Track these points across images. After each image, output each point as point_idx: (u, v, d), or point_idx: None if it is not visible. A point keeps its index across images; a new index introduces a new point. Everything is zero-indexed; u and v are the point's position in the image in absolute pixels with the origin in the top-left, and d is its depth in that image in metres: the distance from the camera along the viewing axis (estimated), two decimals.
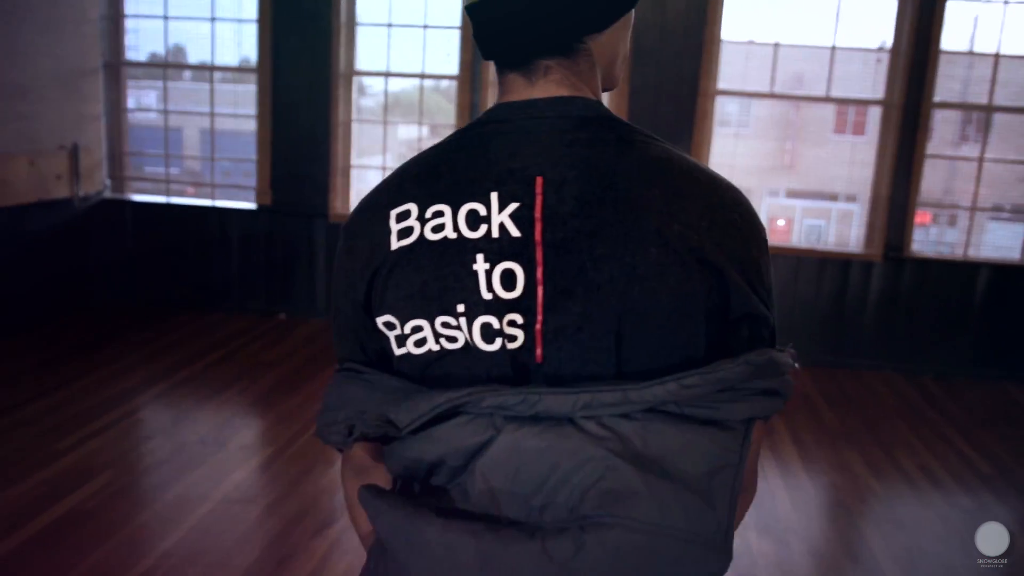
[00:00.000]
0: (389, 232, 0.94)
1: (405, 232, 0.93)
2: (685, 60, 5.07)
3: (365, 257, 0.95)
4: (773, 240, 6.28)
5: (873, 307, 5.25)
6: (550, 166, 0.92)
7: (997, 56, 4.99)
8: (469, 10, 0.97)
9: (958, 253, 5.27)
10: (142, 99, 5.95)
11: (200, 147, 5.86)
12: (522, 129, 0.95)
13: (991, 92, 5.03)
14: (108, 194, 5.72)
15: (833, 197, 6.09)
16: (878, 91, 5.13)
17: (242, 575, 2.71)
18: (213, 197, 5.80)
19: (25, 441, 3.56)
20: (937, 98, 5.00)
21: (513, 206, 0.91)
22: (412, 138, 5.84)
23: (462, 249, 0.90)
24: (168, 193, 5.81)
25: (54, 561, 2.70)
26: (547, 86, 0.96)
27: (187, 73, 6.31)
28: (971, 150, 5.23)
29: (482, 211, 0.91)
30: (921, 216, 5.92)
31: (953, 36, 5.04)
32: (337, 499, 3.23)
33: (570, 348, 0.90)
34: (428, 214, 0.92)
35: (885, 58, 5.10)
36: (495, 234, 0.90)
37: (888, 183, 5.09)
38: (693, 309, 0.90)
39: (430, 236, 0.91)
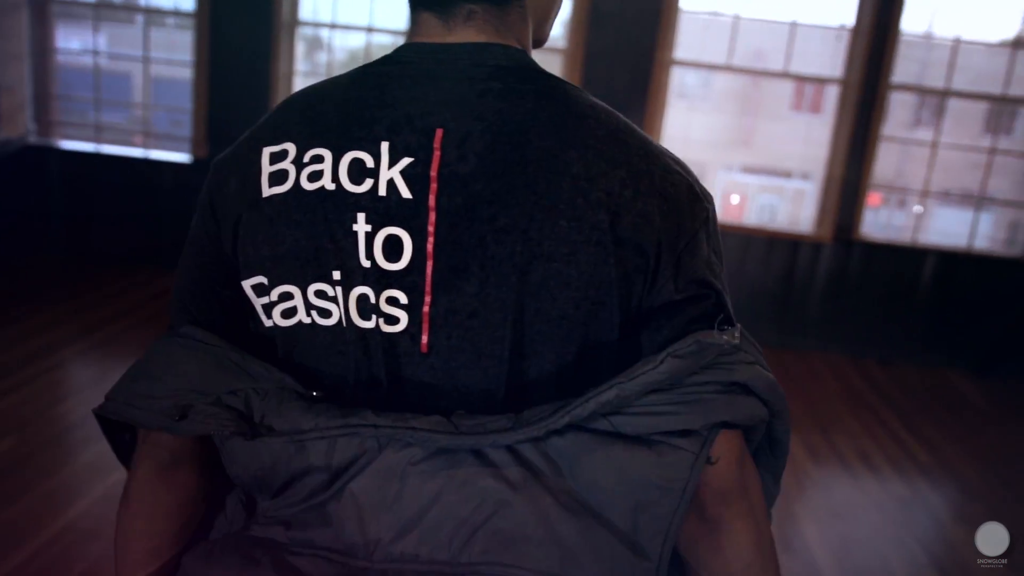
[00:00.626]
0: (260, 173, 0.77)
1: (279, 177, 0.76)
2: (643, 27, 4.92)
3: (233, 200, 0.79)
4: (726, 217, 6.17)
5: (821, 288, 5.21)
6: (454, 118, 0.76)
7: (956, 42, 4.93)
8: None
9: (906, 237, 5.24)
10: (75, 41, 5.60)
11: (134, 94, 5.55)
12: (428, 74, 0.78)
13: (948, 77, 4.98)
14: (32, 139, 5.40)
15: (787, 174, 6.02)
16: (836, 69, 5.05)
17: None
18: (146, 147, 5.51)
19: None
20: (895, 79, 4.94)
21: (406, 161, 0.74)
22: None
23: (341, 204, 0.74)
24: (99, 141, 5.51)
25: None
26: (466, 31, 0.80)
27: (129, 17, 5.96)
28: (925, 134, 5.19)
29: (369, 162, 0.74)
30: (872, 198, 5.90)
31: (914, 19, 4.96)
32: None
33: (460, 337, 0.74)
34: (306, 158, 0.76)
35: (845, 36, 5.01)
36: (382, 192, 0.74)
37: (842, 163, 5.02)
38: (606, 296, 0.75)
39: (305, 184, 0.75)
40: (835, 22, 4.83)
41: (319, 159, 0.75)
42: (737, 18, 5.06)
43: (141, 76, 5.40)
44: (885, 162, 5.13)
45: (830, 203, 5.09)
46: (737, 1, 5.16)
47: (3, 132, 5.05)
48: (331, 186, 0.75)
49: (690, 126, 5.59)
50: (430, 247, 0.73)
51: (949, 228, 5.37)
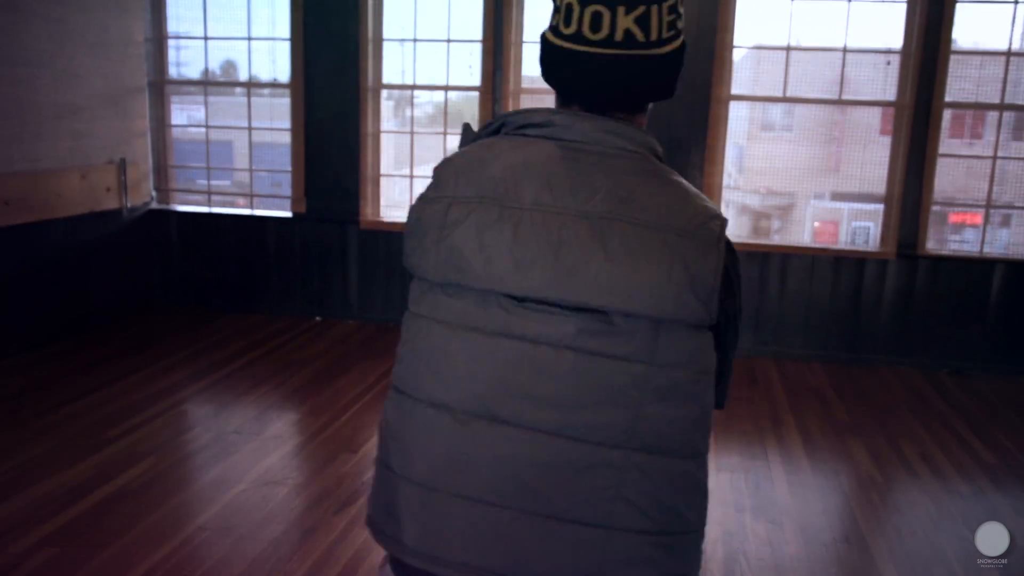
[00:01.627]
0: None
1: None
2: (698, 66, 5.25)
3: None
4: (818, 242, 6.36)
5: (888, 304, 5.35)
6: None
7: (1008, 53, 5.08)
8: (545, 52, 1.24)
9: (974, 251, 5.34)
10: (189, 115, 6.28)
11: (240, 159, 6.18)
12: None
13: (1003, 91, 5.12)
14: (154, 205, 6.08)
15: (880, 199, 6.16)
16: (890, 93, 5.25)
17: (269, 546, 2.96)
18: (252, 207, 6.12)
19: (78, 430, 3.88)
20: (948, 98, 5.10)
21: None
22: (437, 146, 6.09)
23: None
24: (210, 204, 6.15)
25: (104, 531, 2.99)
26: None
27: (236, 90, 6.62)
28: (984, 149, 5.31)
29: None
30: (962, 216, 5.99)
31: (964, 34, 5.14)
32: (359, 482, 3.48)
33: None
34: None
35: (896, 60, 5.22)
36: None
37: (901, 182, 5.20)
38: None
39: None
40: (883, 44, 5.00)
41: None
42: (788, 48, 5.32)
43: (245, 143, 6.02)
44: (944, 178, 5.28)
45: (892, 220, 5.25)
46: (786, 32, 5.40)
47: (130, 200, 5.72)
48: None
49: (776, 157, 5.85)
50: None
51: (1016, 239, 5.44)
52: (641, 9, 1.14)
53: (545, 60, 1.23)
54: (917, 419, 4.47)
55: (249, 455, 3.72)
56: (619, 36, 1.14)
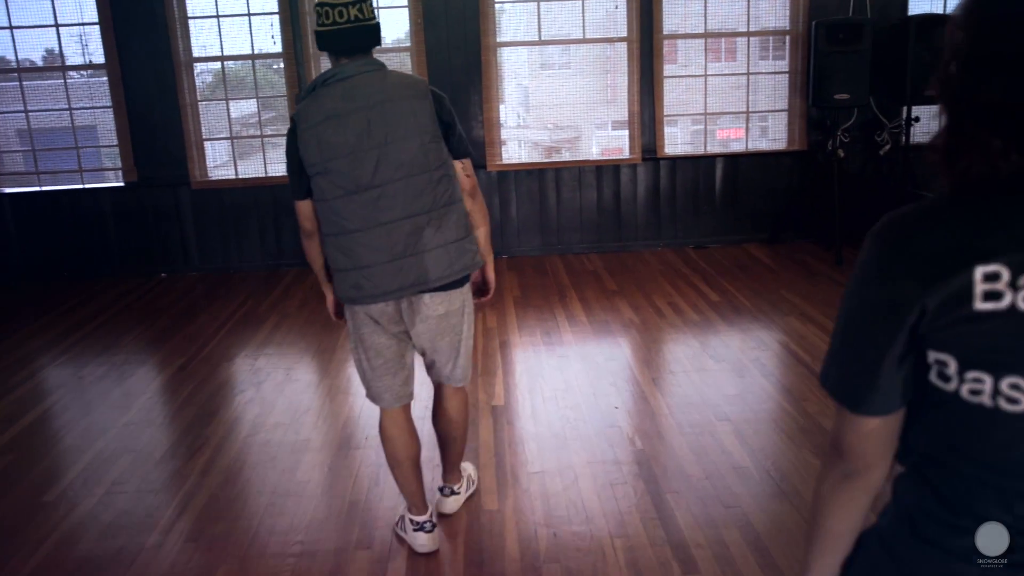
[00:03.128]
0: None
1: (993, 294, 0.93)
2: (467, 22, 6.29)
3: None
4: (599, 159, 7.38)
5: (641, 199, 6.72)
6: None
7: None
8: (321, 34, 2.34)
9: (700, 150, 6.78)
10: (6, 103, 6.61)
11: (65, 140, 6.63)
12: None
13: (705, 20, 6.52)
14: None
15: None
16: (621, 31, 6.53)
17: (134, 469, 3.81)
18: (83, 182, 6.61)
19: None
20: (665, 31, 6.45)
21: None
22: (250, 112, 6.80)
23: None
24: (40, 183, 6.58)
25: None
26: (359, 62, 2.33)
27: (52, 74, 6.96)
28: (697, 69, 6.72)
29: None
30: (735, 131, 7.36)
31: None
32: (225, 400, 4.34)
33: None
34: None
35: (623, 3, 6.49)
36: None
37: (637, 101, 6.52)
38: None
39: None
40: None
41: None
42: (539, 1, 6.46)
43: (68, 123, 6.49)
44: (671, 95, 6.66)
45: (635, 132, 6.59)
46: None
47: None
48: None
49: (558, 92, 6.87)
50: None
51: (729, 137, 6.97)
52: (358, 5, 2.37)
53: (321, 41, 2.41)
54: (667, 282, 5.84)
55: (116, 401, 4.48)
56: (352, 17, 2.37)
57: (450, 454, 2.89)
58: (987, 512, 0.97)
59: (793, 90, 6.63)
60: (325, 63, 6.48)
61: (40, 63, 6.70)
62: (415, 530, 2.72)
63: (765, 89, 6.72)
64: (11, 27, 6.34)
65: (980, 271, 0.87)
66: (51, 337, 5.29)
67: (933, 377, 0.95)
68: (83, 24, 6.35)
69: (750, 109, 6.78)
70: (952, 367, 0.92)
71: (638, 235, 6.78)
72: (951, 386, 0.93)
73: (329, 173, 2.36)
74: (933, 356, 0.94)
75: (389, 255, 2.38)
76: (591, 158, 6.96)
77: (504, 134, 6.77)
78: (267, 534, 2.91)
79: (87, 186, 6.58)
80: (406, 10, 6.33)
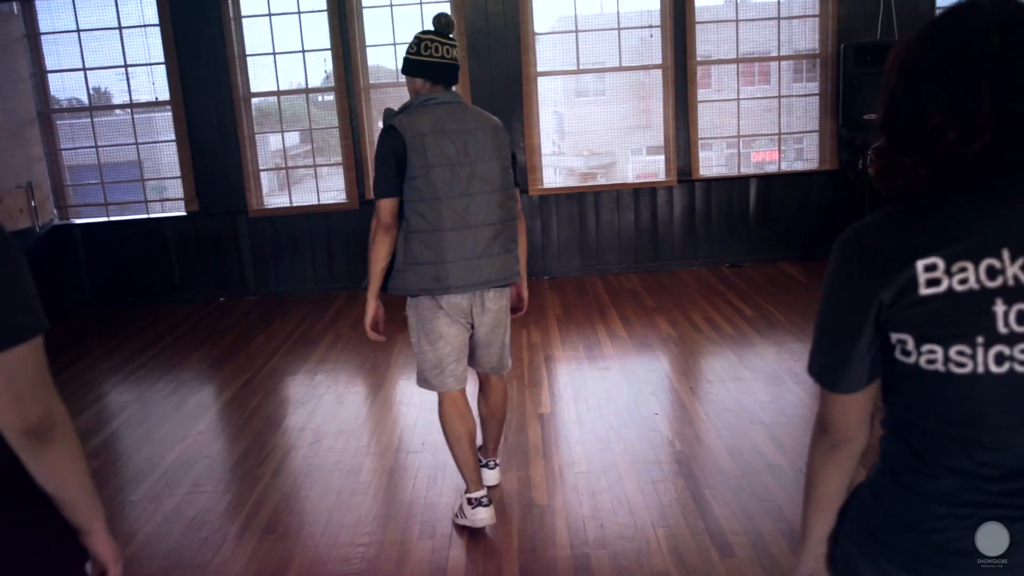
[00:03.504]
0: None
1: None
2: (509, 53, 6.62)
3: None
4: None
5: (677, 220, 6.95)
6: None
7: (736, 20, 6.73)
8: (423, 63, 2.82)
9: (733, 171, 7.01)
10: (79, 138, 7.06)
11: (131, 172, 7.06)
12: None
13: (736, 46, 6.78)
14: (57, 221, 6.88)
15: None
16: (656, 58, 6.80)
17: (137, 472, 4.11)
18: (147, 212, 7.02)
19: None
20: (699, 58, 6.72)
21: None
22: (300, 143, 7.17)
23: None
24: (108, 214, 7.00)
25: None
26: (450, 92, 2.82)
27: (119, 111, 7.42)
28: (731, 93, 6.97)
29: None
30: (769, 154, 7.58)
31: (703, 8, 6.74)
32: (281, 412, 4.64)
33: None
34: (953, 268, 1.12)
35: (657, 33, 6.77)
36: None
37: (672, 125, 6.78)
38: None
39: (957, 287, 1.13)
40: (645, 22, 6.58)
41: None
42: (577, 31, 6.77)
43: (135, 156, 6.92)
44: (705, 118, 6.91)
45: (671, 155, 6.84)
46: (574, 17, 6.83)
47: (39, 219, 6.52)
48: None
49: (593, 119, 7.15)
50: None
51: (762, 159, 7.18)
52: (455, 48, 2.90)
53: (421, 68, 2.85)
54: (703, 299, 6.05)
55: (188, 413, 4.80)
56: (452, 56, 2.90)
57: (494, 434, 3.32)
58: (952, 461, 1.19)
59: (824, 111, 6.84)
60: (376, 96, 6.85)
61: (111, 101, 7.14)
62: (474, 507, 3.00)
63: (797, 111, 6.94)
64: (84, 68, 6.80)
65: (920, 264, 1.10)
66: (122, 357, 5.65)
67: (897, 354, 1.19)
68: (150, 64, 6.79)
69: (782, 131, 7.00)
70: (910, 343, 1.16)
71: (675, 255, 7.00)
72: (911, 359, 1.17)
73: (430, 177, 2.76)
74: (895, 337, 1.17)
75: (471, 254, 2.81)
76: (628, 181, 7.20)
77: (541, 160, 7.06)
78: (336, 527, 3.18)
79: (152, 216, 6.99)
80: None
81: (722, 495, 3.19)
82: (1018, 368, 1.10)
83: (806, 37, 6.92)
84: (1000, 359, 1.10)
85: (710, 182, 6.92)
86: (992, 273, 1.09)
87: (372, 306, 2.97)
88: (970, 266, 1.09)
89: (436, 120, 2.80)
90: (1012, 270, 1.08)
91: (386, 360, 5.11)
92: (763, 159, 7.40)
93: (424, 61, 2.88)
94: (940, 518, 1.20)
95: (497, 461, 3.41)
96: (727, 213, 6.97)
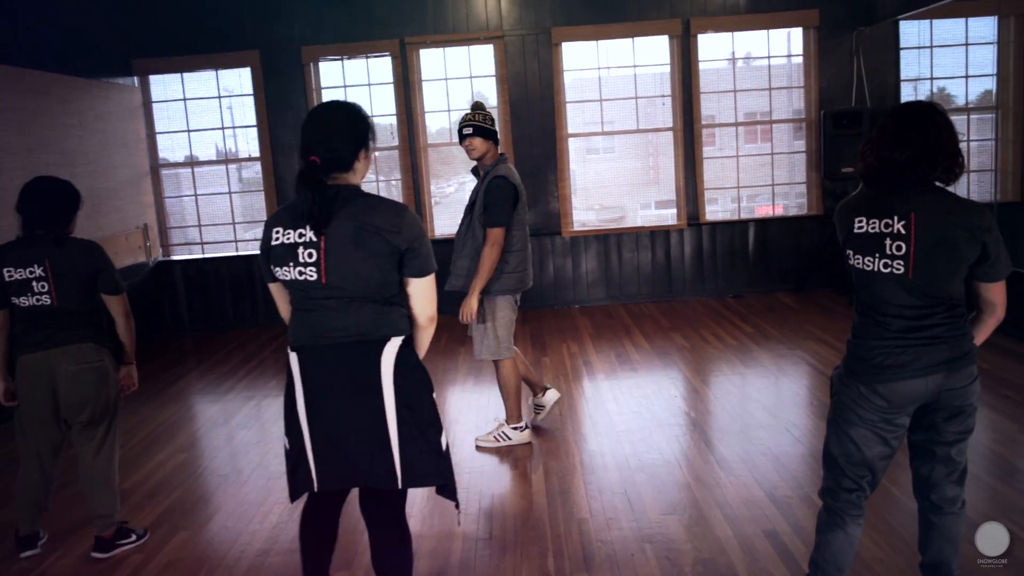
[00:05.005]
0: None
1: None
2: (545, 117, 7.92)
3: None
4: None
5: (688, 258, 8.16)
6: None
7: (735, 91, 8.04)
8: (492, 132, 4.16)
9: (735, 216, 8.25)
10: (182, 188, 8.36)
11: (225, 216, 8.33)
12: None
13: (735, 111, 8.07)
14: (160, 257, 8.12)
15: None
16: (668, 121, 8.10)
17: None
18: (238, 250, 8.27)
19: (153, 428, 6.01)
20: (704, 121, 8.00)
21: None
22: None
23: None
24: (203, 252, 8.26)
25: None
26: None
27: (217, 166, 8.72)
28: (731, 150, 8.24)
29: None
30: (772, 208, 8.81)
31: (708, 78, 8.04)
32: None
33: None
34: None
35: (668, 101, 8.08)
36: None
37: (682, 177, 8.04)
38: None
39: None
40: (659, 91, 7.83)
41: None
42: (601, 100, 8.08)
43: (227, 204, 8.19)
44: (710, 172, 8.17)
45: (681, 203, 8.09)
46: (597, 89, 8.13)
47: (152, 254, 7.77)
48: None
49: (604, 175, 8.27)
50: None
51: (753, 205, 8.45)
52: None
53: (495, 135, 4.29)
54: (711, 320, 7.23)
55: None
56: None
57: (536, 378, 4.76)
58: (873, 318, 2.36)
59: (810, 165, 8.10)
60: (433, 155, 8.13)
61: (212, 157, 8.45)
62: (521, 431, 4.47)
63: (787, 165, 8.21)
64: (188, 130, 8.12)
65: (855, 219, 2.35)
66: (215, 376, 6.85)
67: (851, 260, 2.39)
68: (246, 127, 8.11)
69: (775, 182, 8.26)
70: (852, 255, 2.38)
71: (686, 287, 8.20)
72: (856, 263, 2.37)
73: (521, 213, 4.13)
74: (848, 251, 2.38)
75: (529, 264, 4.25)
76: (647, 225, 8.44)
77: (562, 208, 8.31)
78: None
79: (240, 253, 8.23)
80: (496, 109, 7.98)
81: (725, 441, 4.34)
82: (886, 269, 2.29)
83: (793, 106, 8.22)
84: (886, 265, 2.30)
85: (715, 225, 8.16)
86: (886, 225, 2.29)
87: (476, 299, 4.18)
88: (876, 221, 2.30)
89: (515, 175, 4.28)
90: (896, 226, 2.29)
91: (453, 365, 6.27)
92: (768, 212, 8.61)
93: (494, 131, 4.27)
94: (871, 349, 2.37)
95: (546, 391, 4.87)
96: (730, 252, 8.19)
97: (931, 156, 2.24)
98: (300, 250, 2.29)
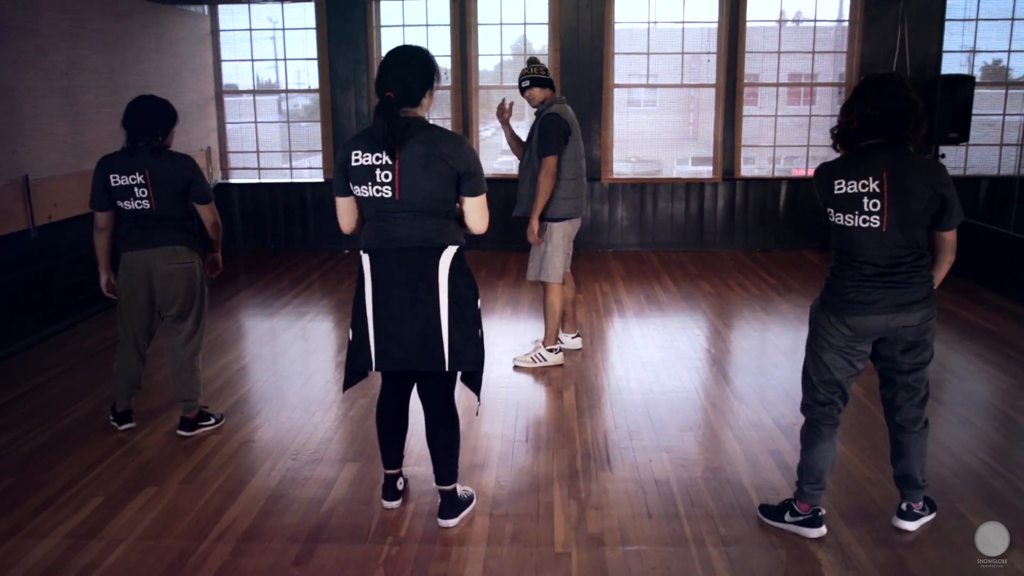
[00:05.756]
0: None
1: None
2: (593, 67, 8.23)
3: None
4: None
5: (720, 211, 8.50)
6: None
7: (779, 52, 8.28)
8: (546, 80, 4.62)
9: (768, 174, 8.55)
10: (243, 115, 8.81)
11: (283, 143, 8.80)
12: None
13: (777, 72, 8.32)
14: (219, 180, 8.60)
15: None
16: (711, 78, 8.36)
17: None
18: (292, 177, 8.73)
19: (216, 336, 6.52)
20: (746, 80, 8.26)
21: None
22: None
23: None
24: (260, 177, 8.73)
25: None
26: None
27: (272, 96, 9.14)
28: (771, 110, 8.51)
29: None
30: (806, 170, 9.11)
31: (753, 39, 8.28)
32: None
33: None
34: None
35: (713, 58, 8.34)
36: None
37: (721, 132, 8.34)
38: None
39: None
40: (704, 47, 8.09)
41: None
42: (648, 54, 8.35)
43: (285, 133, 8.63)
44: (748, 130, 8.45)
45: (718, 157, 8.40)
46: (646, 41, 8.41)
47: (213, 178, 8.24)
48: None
49: (643, 129, 8.55)
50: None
51: (791, 165, 8.73)
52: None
53: (550, 83, 4.78)
54: (737, 271, 7.60)
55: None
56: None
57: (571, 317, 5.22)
58: (848, 262, 2.78)
59: None
60: (483, 95, 8.48)
61: (266, 85, 8.87)
62: (556, 352, 4.96)
63: (824, 128, 8.47)
64: (252, 59, 8.52)
65: (834, 182, 2.72)
66: (267, 295, 7.36)
67: (831, 218, 2.77)
68: (306, 59, 8.50)
69: (811, 143, 8.53)
70: (833, 213, 2.75)
71: (716, 240, 8.56)
72: (836, 220, 2.76)
73: (574, 147, 4.60)
74: (829, 210, 2.76)
75: (584, 193, 4.71)
76: (682, 177, 8.77)
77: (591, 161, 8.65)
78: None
79: (294, 180, 8.69)
80: (547, 57, 8.29)
81: (741, 376, 4.77)
82: (864, 224, 2.69)
83: (835, 70, 8.44)
84: (864, 221, 2.69)
85: (749, 182, 8.47)
86: (863, 186, 2.68)
87: (536, 221, 4.68)
88: (854, 182, 2.69)
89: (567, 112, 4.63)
90: (871, 186, 2.68)
91: (491, 294, 6.73)
92: (802, 173, 8.89)
93: (550, 79, 4.72)
94: (845, 287, 2.78)
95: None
96: (761, 208, 8.51)
97: (904, 112, 2.64)
98: (377, 171, 2.77)
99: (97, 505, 3.34)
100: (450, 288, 2.83)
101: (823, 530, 3.00)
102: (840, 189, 2.69)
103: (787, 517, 3.06)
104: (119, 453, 3.85)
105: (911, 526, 3.03)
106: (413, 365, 2.90)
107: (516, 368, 4.95)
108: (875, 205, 2.65)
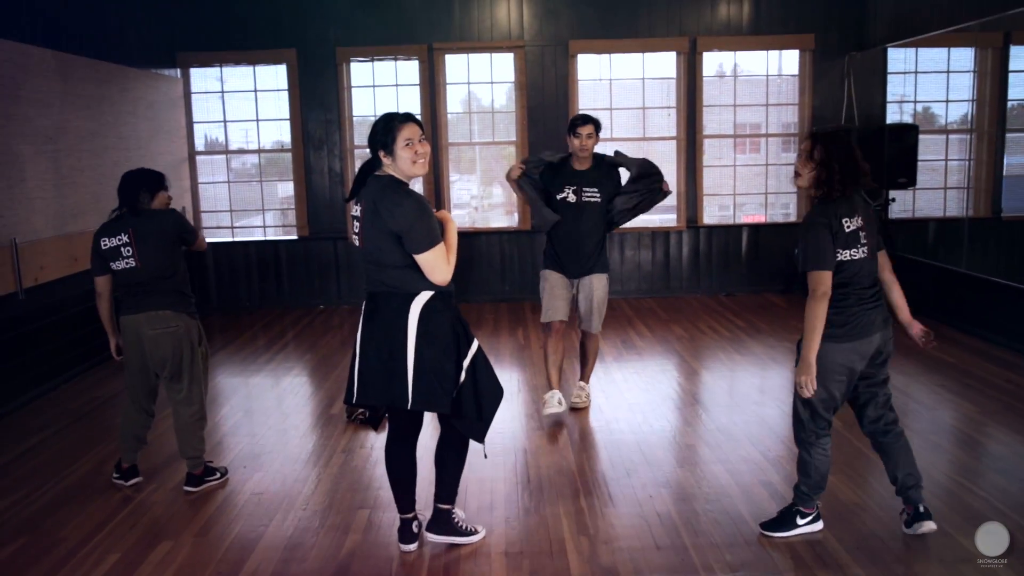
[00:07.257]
0: None
1: None
2: (558, 122, 8.54)
3: None
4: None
5: (685, 258, 8.81)
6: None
7: (735, 105, 8.69)
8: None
9: (731, 220, 8.90)
10: (216, 175, 8.92)
11: (255, 203, 8.90)
12: None
13: (734, 124, 8.73)
14: None
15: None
16: (672, 131, 8.74)
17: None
18: (266, 235, 8.83)
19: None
20: (705, 132, 8.65)
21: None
22: None
23: None
24: (234, 236, 8.82)
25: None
26: None
27: (245, 156, 9.28)
28: (729, 160, 8.90)
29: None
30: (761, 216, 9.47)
31: (710, 92, 8.69)
32: None
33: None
34: None
35: (673, 112, 8.72)
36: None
37: (684, 182, 8.69)
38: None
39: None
40: (666, 103, 8.47)
41: None
42: (611, 109, 8.70)
43: (258, 191, 8.75)
44: (709, 179, 8.82)
45: (681, 207, 8.74)
46: (609, 98, 8.76)
47: None
48: None
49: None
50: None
51: (749, 211, 9.12)
52: None
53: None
54: (706, 314, 7.88)
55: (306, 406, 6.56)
56: None
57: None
58: (852, 291, 3.07)
59: None
60: (453, 152, 8.73)
61: (238, 146, 9.01)
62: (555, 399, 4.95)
63: (779, 176, 8.88)
64: (224, 121, 8.68)
65: (843, 221, 3.03)
66: (245, 356, 7.42)
67: (839, 257, 3.04)
68: (279, 120, 8.68)
69: (768, 191, 8.92)
70: (841, 252, 3.04)
71: (683, 285, 8.85)
72: (843, 256, 3.04)
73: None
74: (838, 251, 3.03)
75: None
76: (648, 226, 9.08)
77: None
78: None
79: (269, 238, 8.80)
80: (515, 114, 8.58)
81: (723, 412, 4.99)
82: (860, 255, 3.01)
83: (788, 121, 8.88)
84: (860, 252, 3.01)
85: (712, 228, 8.81)
86: (856, 222, 3.00)
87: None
88: (849, 220, 2.99)
89: None
90: (859, 221, 2.97)
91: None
92: (755, 220, 9.27)
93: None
94: (853, 315, 3.06)
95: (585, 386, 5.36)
96: (724, 253, 8.84)
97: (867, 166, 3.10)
98: (355, 221, 3.13)
99: (115, 561, 3.39)
100: (419, 333, 3.04)
101: (822, 523, 3.42)
102: (849, 227, 3.05)
103: (799, 521, 3.38)
104: (127, 510, 3.90)
105: (932, 525, 3.27)
106: (382, 401, 3.15)
107: (573, 409, 5.14)
108: (864, 238, 3.08)
